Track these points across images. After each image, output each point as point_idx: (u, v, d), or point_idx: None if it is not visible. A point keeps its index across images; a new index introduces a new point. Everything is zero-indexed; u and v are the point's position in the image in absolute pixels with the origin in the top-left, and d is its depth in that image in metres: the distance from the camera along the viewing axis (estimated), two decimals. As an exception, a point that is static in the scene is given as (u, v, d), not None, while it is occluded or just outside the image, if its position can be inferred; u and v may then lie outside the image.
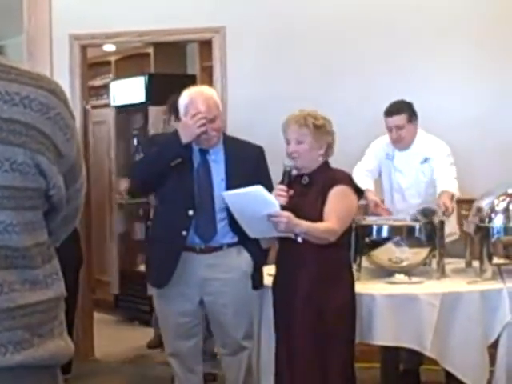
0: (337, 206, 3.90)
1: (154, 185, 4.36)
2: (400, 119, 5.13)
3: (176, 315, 4.36)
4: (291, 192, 3.90)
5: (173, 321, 4.39)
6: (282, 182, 3.94)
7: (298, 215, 3.78)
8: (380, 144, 5.34)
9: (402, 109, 5.15)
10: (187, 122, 4.22)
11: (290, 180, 3.94)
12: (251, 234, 4.03)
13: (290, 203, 3.86)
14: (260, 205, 3.73)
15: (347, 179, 4.04)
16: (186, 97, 4.31)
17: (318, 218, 3.87)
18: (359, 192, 4.06)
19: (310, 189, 4.00)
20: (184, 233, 4.24)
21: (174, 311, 4.36)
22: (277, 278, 4.11)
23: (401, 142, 5.18)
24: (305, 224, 3.79)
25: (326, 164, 4.08)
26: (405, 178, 5.21)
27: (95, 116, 8.07)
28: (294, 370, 3.96)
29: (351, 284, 4.02)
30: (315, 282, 3.92)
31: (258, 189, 3.72)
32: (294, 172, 4.01)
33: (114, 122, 8.42)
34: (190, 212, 4.24)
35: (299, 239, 3.89)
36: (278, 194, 3.84)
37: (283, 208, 3.77)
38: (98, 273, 8.07)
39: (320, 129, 4.00)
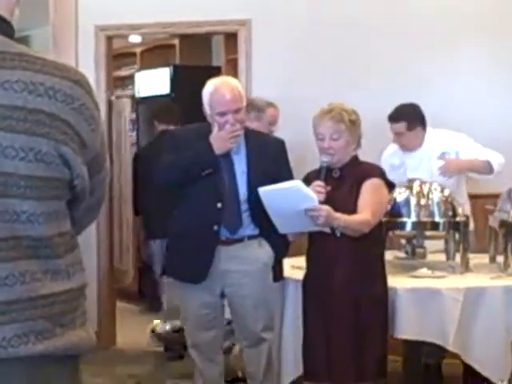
0: (371, 199, 3.94)
1: (177, 188, 4.38)
2: (399, 127, 5.12)
3: (196, 307, 4.35)
4: (329, 188, 3.91)
5: (193, 312, 4.39)
6: (319, 178, 3.94)
7: (332, 208, 3.80)
8: (384, 157, 5.30)
9: (402, 116, 5.10)
10: (221, 135, 4.21)
11: (326, 175, 3.95)
12: (281, 229, 4.04)
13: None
14: (298, 200, 3.75)
15: (379, 172, 4.08)
16: (211, 85, 4.27)
17: (352, 211, 3.91)
18: (390, 186, 4.09)
19: (342, 182, 4.02)
20: (215, 227, 4.23)
21: (195, 303, 4.35)
22: (309, 272, 4.12)
23: (404, 148, 5.17)
24: (343, 217, 3.84)
25: (355, 157, 4.09)
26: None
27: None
28: (331, 361, 3.97)
29: (384, 277, 4.06)
30: (351, 275, 3.95)
31: (297, 183, 3.74)
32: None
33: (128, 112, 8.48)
34: (219, 204, 4.24)
35: (337, 233, 3.91)
36: (316, 191, 3.86)
37: (319, 202, 3.80)
38: (121, 262, 8.11)
39: (355, 124, 4.01)
